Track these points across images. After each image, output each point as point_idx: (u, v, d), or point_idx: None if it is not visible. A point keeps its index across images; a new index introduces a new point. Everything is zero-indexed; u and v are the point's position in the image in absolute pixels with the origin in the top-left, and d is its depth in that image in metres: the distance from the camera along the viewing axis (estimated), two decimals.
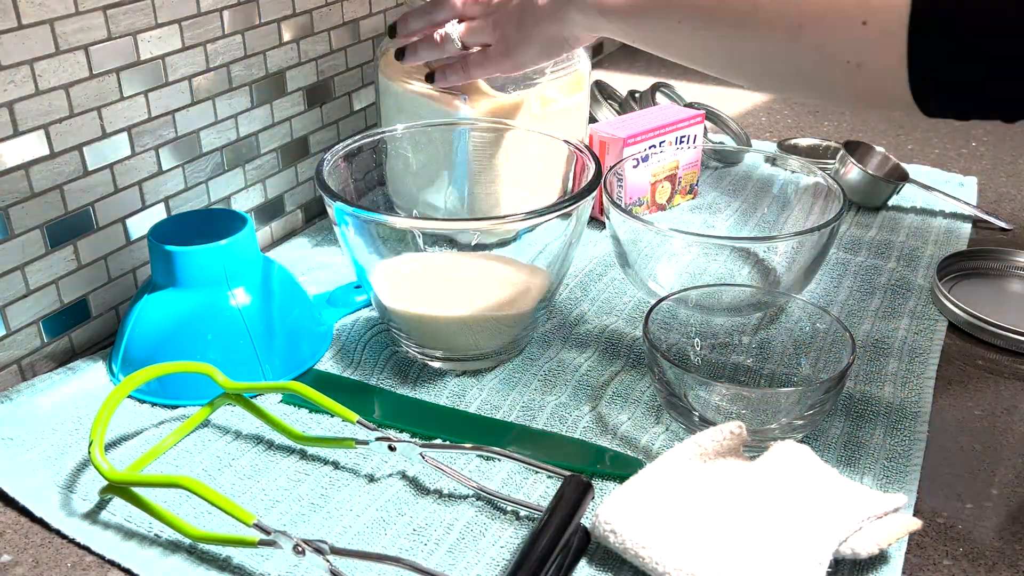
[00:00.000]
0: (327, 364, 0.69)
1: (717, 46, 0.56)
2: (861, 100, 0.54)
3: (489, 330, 0.66)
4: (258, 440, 0.61)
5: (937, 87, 0.48)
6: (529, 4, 0.67)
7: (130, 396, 0.64)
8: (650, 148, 0.85)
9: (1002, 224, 0.90)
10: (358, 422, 0.58)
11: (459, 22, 0.73)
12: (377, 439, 0.57)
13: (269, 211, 0.87)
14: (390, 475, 0.57)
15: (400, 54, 0.76)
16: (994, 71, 0.46)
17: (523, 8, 0.68)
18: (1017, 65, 0.46)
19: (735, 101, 1.26)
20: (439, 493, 0.56)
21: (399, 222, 0.61)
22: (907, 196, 0.95)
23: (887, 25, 0.47)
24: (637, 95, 1.07)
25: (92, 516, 0.54)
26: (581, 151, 0.69)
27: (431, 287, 0.67)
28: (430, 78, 0.75)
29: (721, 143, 1.06)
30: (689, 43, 0.58)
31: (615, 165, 0.80)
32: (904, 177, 0.94)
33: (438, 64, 0.75)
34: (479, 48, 0.73)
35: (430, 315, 0.64)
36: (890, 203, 0.94)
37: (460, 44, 0.73)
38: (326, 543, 0.49)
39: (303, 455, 0.59)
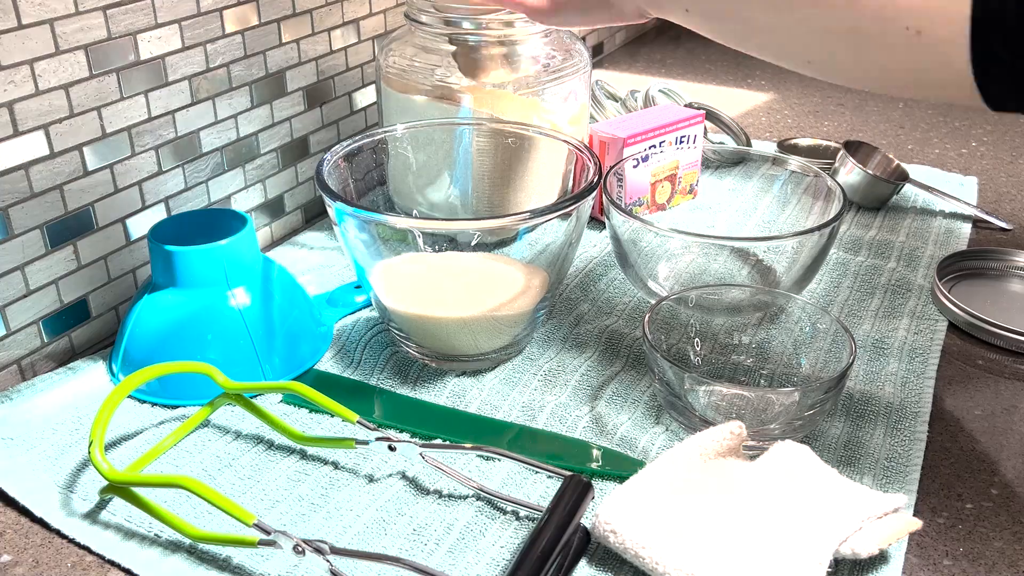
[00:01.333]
0: (327, 364, 0.69)
1: (777, 18, 0.52)
2: (920, 80, 0.49)
3: (489, 330, 0.66)
4: (258, 440, 0.61)
5: (1002, 65, 0.43)
6: None
7: (130, 396, 0.64)
8: (650, 148, 0.85)
9: (1002, 224, 0.90)
10: (358, 422, 0.58)
11: None
12: (377, 439, 0.57)
13: (269, 211, 0.87)
14: (390, 475, 0.57)
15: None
16: None
17: None
18: None
19: (735, 101, 1.26)
20: (439, 493, 0.56)
21: (399, 222, 0.61)
22: (907, 196, 0.95)
23: None
24: (637, 95, 1.07)
25: (92, 516, 0.54)
26: (581, 151, 0.69)
27: (431, 287, 0.67)
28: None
29: (721, 143, 1.06)
30: (748, 16, 0.53)
31: (615, 165, 0.80)
32: (904, 177, 0.94)
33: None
34: None
35: (430, 315, 0.64)
36: (890, 203, 0.94)
37: None
38: (326, 543, 0.49)
39: (303, 455, 0.59)
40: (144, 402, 0.64)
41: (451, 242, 0.70)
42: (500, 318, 0.65)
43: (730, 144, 1.05)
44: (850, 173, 0.91)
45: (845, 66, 0.52)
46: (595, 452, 0.59)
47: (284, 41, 0.83)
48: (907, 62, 0.48)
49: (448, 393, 0.65)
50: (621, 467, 0.57)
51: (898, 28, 0.46)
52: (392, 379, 0.67)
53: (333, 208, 0.61)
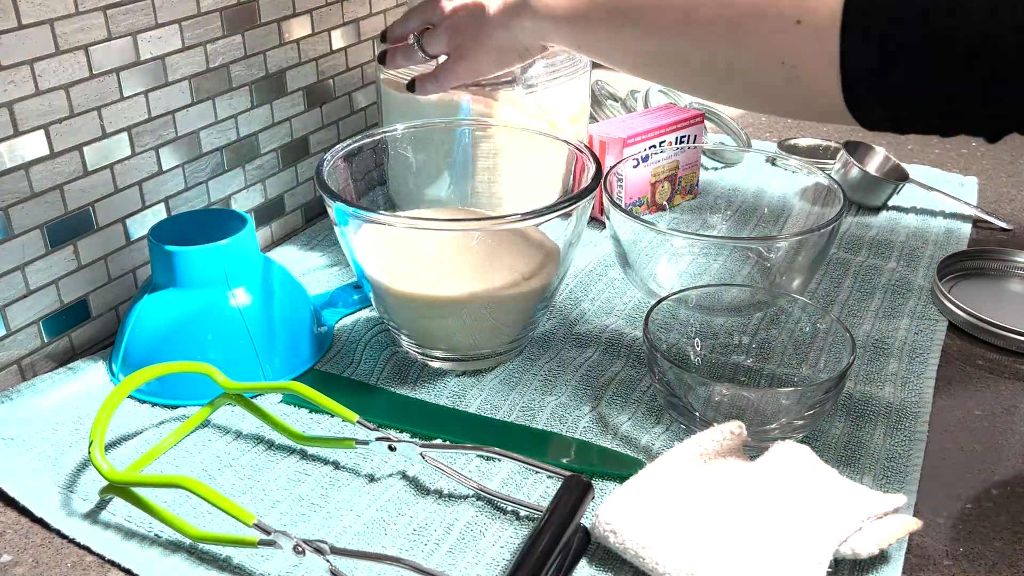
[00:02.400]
0: (327, 364, 0.69)
1: (659, 51, 0.56)
2: (798, 107, 0.53)
3: (489, 330, 0.65)
4: (258, 440, 0.61)
5: (870, 93, 0.47)
6: (480, 12, 0.68)
7: (130, 396, 0.64)
8: (650, 148, 0.85)
9: (1002, 224, 0.90)
10: (358, 422, 0.58)
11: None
12: (377, 439, 0.57)
13: (269, 211, 0.87)
14: (390, 475, 0.57)
15: (383, 58, 0.77)
16: (925, 77, 0.45)
17: (474, 16, 0.68)
18: (948, 72, 0.44)
19: None
20: (439, 493, 0.56)
21: (399, 222, 0.61)
22: (907, 196, 0.95)
23: (820, 25, 0.46)
24: (637, 95, 1.07)
25: (92, 516, 0.54)
26: (581, 151, 0.69)
27: (430, 273, 0.66)
28: (410, 87, 0.75)
29: (721, 143, 1.06)
30: (634, 47, 0.58)
31: (615, 165, 0.80)
32: (904, 177, 0.94)
33: (418, 75, 0.75)
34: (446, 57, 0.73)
35: (427, 294, 0.63)
36: (890, 203, 0.94)
37: (423, 53, 0.73)
38: (326, 543, 0.49)
39: (303, 455, 0.59)
40: (144, 402, 0.64)
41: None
42: (500, 305, 0.64)
43: (730, 144, 1.05)
44: (850, 173, 0.91)
45: (735, 97, 0.56)
46: (595, 452, 0.59)
47: (284, 41, 0.83)
48: (787, 93, 0.51)
49: (448, 393, 0.65)
50: (621, 467, 0.57)
51: (774, 64, 0.49)
52: (392, 379, 0.67)
53: (333, 208, 0.61)
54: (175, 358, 0.62)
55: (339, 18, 0.89)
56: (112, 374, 0.67)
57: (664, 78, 0.59)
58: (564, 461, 0.58)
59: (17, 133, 0.62)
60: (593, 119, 1.02)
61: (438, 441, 0.59)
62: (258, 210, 0.85)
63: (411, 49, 0.74)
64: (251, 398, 0.63)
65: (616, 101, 1.09)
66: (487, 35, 0.68)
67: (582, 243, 0.77)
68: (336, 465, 0.58)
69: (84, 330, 0.71)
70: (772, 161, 0.83)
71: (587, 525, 0.52)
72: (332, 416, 0.62)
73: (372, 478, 0.57)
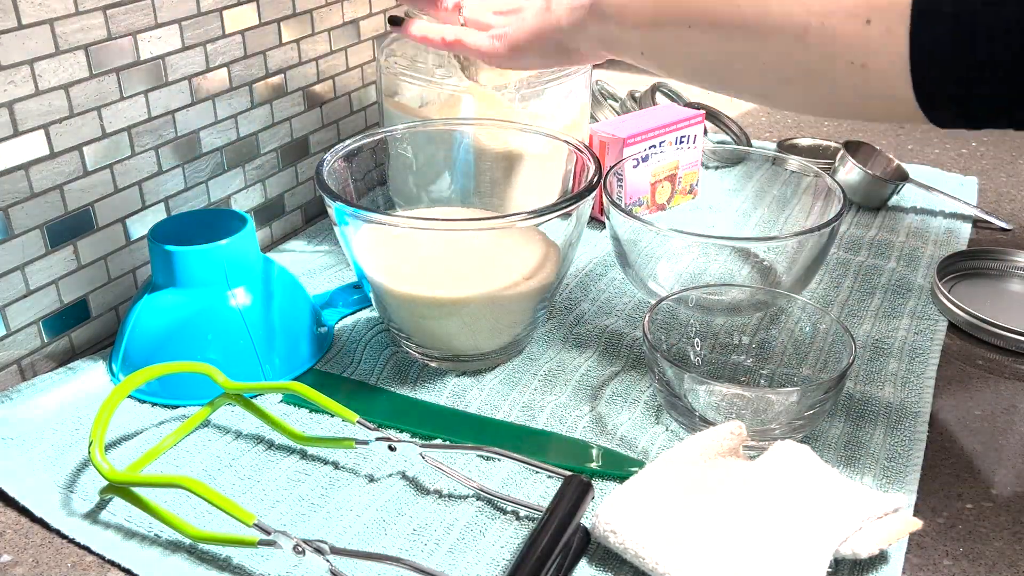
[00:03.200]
0: (327, 364, 0.69)
1: (725, 53, 0.55)
2: (866, 107, 0.52)
3: (489, 330, 0.65)
4: (258, 440, 0.61)
5: (942, 91, 0.47)
6: (543, 4, 0.65)
7: (130, 396, 0.64)
8: (650, 148, 0.85)
9: (1002, 224, 0.90)
10: (358, 422, 0.58)
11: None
12: (377, 439, 0.57)
13: (269, 211, 0.87)
14: (390, 475, 0.57)
15: (395, 21, 0.73)
16: (1000, 75, 0.44)
17: (537, 7, 0.66)
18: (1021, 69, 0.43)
19: (735, 101, 1.26)
20: (439, 493, 0.56)
21: (399, 222, 0.61)
22: (907, 196, 0.95)
23: (890, 22, 0.46)
24: (637, 95, 1.07)
25: (92, 516, 0.54)
26: (581, 151, 0.69)
27: (430, 274, 0.66)
28: (395, 21, 0.71)
29: (721, 143, 1.06)
30: (698, 51, 0.57)
31: (615, 165, 0.80)
32: (904, 177, 0.94)
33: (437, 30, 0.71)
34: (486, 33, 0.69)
35: (427, 296, 0.64)
36: (890, 203, 0.94)
37: (463, 19, 0.70)
38: (326, 543, 0.49)
39: (303, 455, 0.59)
40: (144, 402, 0.64)
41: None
42: (499, 304, 0.64)
43: (730, 144, 1.05)
44: (850, 173, 0.91)
45: (796, 98, 0.56)
46: (595, 452, 0.59)
47: (284, 41, 0.83)
48: (854, 93, 0.51)
49: (448, 393, 0.65)
50: (621, 467, 0.57)
51: (843, 63, 0.49)
52: (392, 379, 0.67)
53: (333, 208, 0.61)
54: (175, 358, 0.62)
55: (339, 18, 0.89)
56: (112, 374, 0.67)
57: (725, 82, 0.58)
58: (564, 461, 0.58)
59: (17, 133, 0.62)
60: (593, 119, 1.02)
61: (438, 441, 0.59)
62: (258, 210, 0.85)
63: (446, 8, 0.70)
64: (251, 398, 0.63)
65: (616, 101, 1.09)
66: (547, 29, 0.65)
67: (582, 243, 0.77)
68: (336, 465, 0.58)
69: (84, 330, 0.71)
70: (772, 161, 0.83)
71: (587, 525, 0.52)
72: (332, 416, 0.62)
73: (372, 478, 0.57)
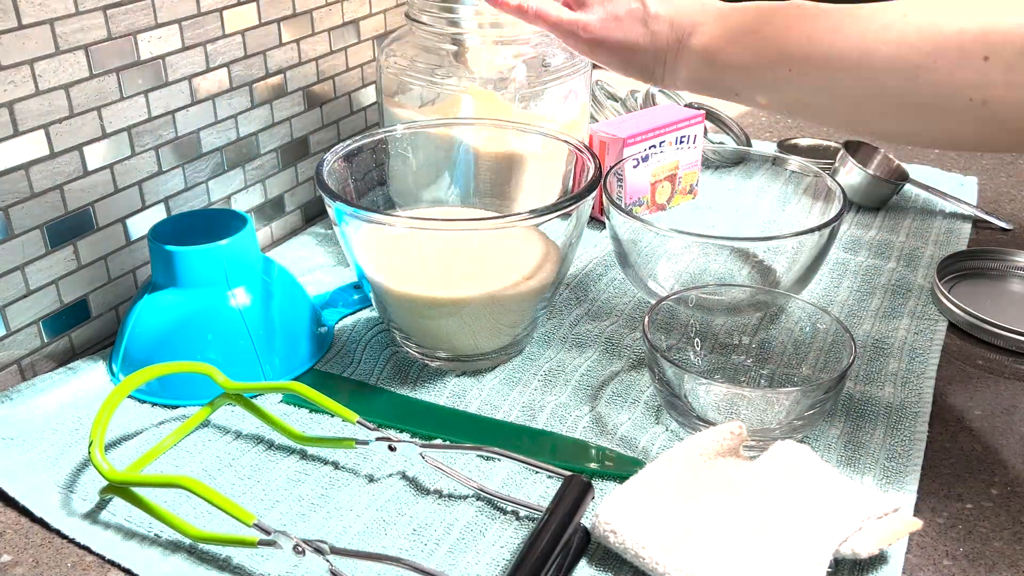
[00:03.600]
0: (327, 364, 0.69)
1: (830, 95, 0.54)
2: (985, 139, 0.52)
3: (489, 330, 0.65)
4: (258, 440, 0.61)
5: None
6: (641, 23, 0.62)
7: (130, 396, 0.64)
8: (650, 148, 0.85)
9: (1002, 224, 0.90)
10: (358, 422, 0.58)
11: None
12: (377, 439, 0.57)
13: (269, 211, 0.87)
14: (390, 475, 0.57)
15: None
16: None
17: (631, 14, 0.63)
18: None
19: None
20: (439, 493, 0.56)
21: (399, 222, 0.61)
22: (907, 196, 0.95)
23: (1010, 59, 0.46)
24: (637, 95, 1.07)
25: (92, 516, 0.54)
26: (581, 151, 0.69)
27: (430, 274, 0.66)
28: None
29: (721, 143, 1.06)
30: (799, 94, 0.56)
31: (615, 165, 0.80)
32: (904, 177, 0.94)
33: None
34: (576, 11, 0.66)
35: (427, 295, 0.64)
36: (890, 203, 0.94)
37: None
38: (326, 543, 0.49)
39: (303, 455, 0.59)
40: (144, 402, 0.64)
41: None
42: (499, 304, 0.64)
43: (730, 144, 1.05)
44: (850, 173, 0.91)
45: (911, 134, 0.55)
46: (595, 452, 0.59)
47: (284, 41, 0.83)
48: (974, 128, 0.50)
49: (448, 393, 0.65)
50: (621, 467, 0.57)
51: (962, 100, 0.49)
52: (392, 379, 0.67)
53: (333, 208, 0.61)
54: (175, 358, 0.62)
55: (339, 18, 0.89)
56: (112, 374, 0.67)
57: (829, 119, 0.58)
58: (564, 461, 0.58)
59: (17, 133, 0.62)
60: (593, 119, 1.02)
61: (438, 441, 0.59)
62: (258, 210, 0.85)
63: None
64: (251, 398, 0.63)
65: (616, 101, 1.09)
66: (633, 44, 0.63)
67: (582, 243, 0.77)
68: (336, 465, 0.58)
69: (84, 330, 0.71)
70: (772, 161, 0.83)
71: (587, 525, 0.52)
72: (332, 416, 0.62)
73: (372, 478, 0.57)
